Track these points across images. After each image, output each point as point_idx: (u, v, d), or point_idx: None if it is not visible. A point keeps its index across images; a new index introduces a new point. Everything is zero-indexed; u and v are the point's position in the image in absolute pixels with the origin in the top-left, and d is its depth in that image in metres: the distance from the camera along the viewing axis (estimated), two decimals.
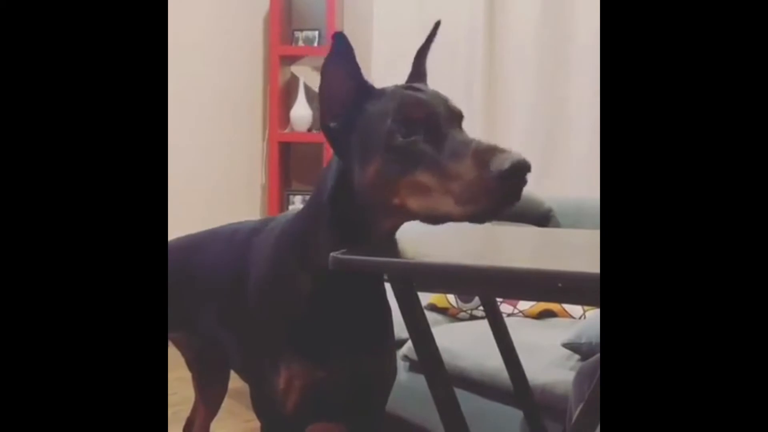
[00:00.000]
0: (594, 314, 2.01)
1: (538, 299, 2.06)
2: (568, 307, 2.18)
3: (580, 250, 1.08)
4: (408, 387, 1.85)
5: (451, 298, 2.24)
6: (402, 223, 0.97)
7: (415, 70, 1.06)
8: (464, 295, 2.19)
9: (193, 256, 1.25)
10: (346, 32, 0.92)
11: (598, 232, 0.67)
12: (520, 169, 0.81)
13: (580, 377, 1.37)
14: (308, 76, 3.67)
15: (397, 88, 0.97)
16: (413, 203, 0.89)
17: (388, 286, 1.01)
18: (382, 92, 0.95)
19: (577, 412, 1.03)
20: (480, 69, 3.05)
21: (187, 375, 1.56)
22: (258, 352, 1.06)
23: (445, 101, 0.95)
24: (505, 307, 2.14)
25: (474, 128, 2.96)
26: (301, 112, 3.56)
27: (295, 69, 3.72)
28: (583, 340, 1.66)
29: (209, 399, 1.57)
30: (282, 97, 3.61)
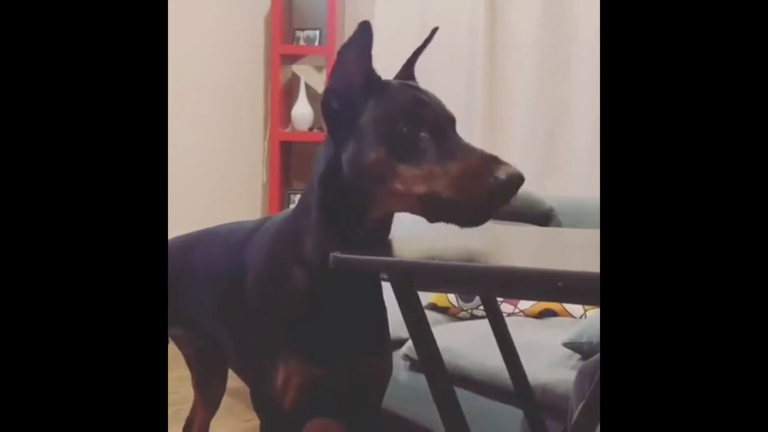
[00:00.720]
0: (595, 313, 2.01)
1: (539, 299, 2.06)
2: (568, 306, 2.18)
3: (580, 250, 1.08)
4: (408, 386, 1.86)
5: (452, 297, 2.24)
6: (392, 212, 0.99)
7: (404, 71, 1.08)
8: (465, 295, 2.19)
9: (192, 255, 1.26)
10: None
11: (598, 232, 0.67)
12: (516, 182, 0.88)
13: (581, 377, 1.37)
14: (309, 75, 3.67)
15: (402, 84, 1.00)
16: (409, 188, 0.91)
17: (384, 284, 1.01)
18: (388, 84, 0.99)
19: (578, 411, 1.03)
20: (481, 69, 3.05)
21: (187, 374, 1.57)
22: (256, 351, 1.07)
23: (442, 105, 0.98)
24: (505, 307, 2.14)
25: (475, 128, 2.99)
26: (302, 111, 3.56)
27: (296, 68, 3.73)
28: (583, 340, 1.66)
29: (208, 397, 1.57)
30: (283, 96, 3.62)
